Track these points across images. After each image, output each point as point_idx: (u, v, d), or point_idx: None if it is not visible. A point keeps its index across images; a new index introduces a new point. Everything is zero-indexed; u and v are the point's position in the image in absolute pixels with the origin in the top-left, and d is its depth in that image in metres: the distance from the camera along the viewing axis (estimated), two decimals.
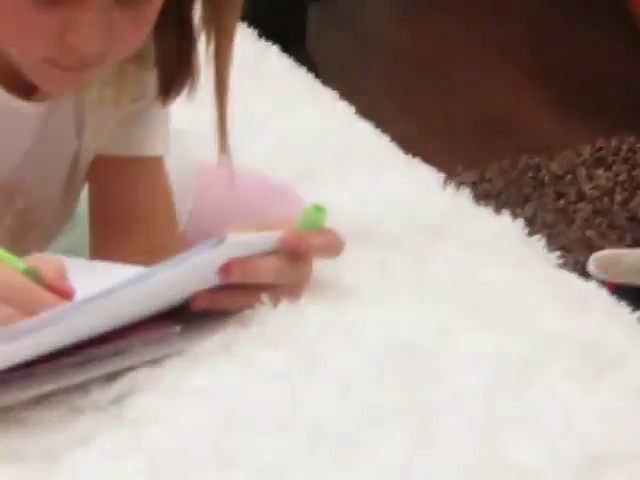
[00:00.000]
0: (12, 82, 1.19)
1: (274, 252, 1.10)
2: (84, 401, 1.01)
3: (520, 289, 1.18)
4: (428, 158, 2.48)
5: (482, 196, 2.40)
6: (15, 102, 1.20)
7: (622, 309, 1.18)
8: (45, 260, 1.07)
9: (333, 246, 1.12)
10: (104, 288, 1.01)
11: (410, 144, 2.60)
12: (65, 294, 1.02)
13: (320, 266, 1.13)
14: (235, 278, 1.07)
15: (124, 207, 1.33)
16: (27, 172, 1.27)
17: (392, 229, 1.35)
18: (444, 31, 3.27)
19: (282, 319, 1.06)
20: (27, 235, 1.31)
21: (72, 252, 1.36)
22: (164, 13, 1.16)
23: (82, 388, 1.01)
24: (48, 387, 1.00)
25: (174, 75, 1.23)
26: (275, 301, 1.08)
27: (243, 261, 1.08)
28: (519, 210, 2.38)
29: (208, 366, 1.02)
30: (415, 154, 2.46)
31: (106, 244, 1.32)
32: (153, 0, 1.11)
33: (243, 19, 1.90)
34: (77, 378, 1.01)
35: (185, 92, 1.24)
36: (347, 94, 2.75)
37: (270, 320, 1.06)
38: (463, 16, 3.33)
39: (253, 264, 1.08)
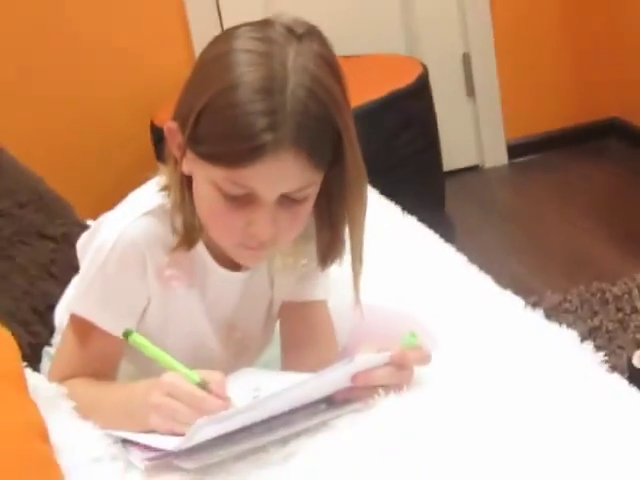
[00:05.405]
0: (227, 262, 1.28)
1: (387, 364, 1.18)
2: (265, 457, 1.09)
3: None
4: (527, 286, 2.55)
5: (563, 312, 2.44)
6: (229, 274, 1.29)
7: None
8: (211, 374, 1.13)
9: (424, 359, 1.20)
10: (285, 387, 1.09)
11: (519, 277, 2.67)
12: (223, 399, 1.10)
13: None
14: (361, 383, 1.16)
15: (303, 335, 1.36)
16: (239, 315, 1.34)
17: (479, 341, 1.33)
18: (545, 193, 3.28)
19: (391, 405, 1.14)
20: (243, 355, 1.37)
21: (269, 365, 1.42)
22: (319, 210, 1.24)
23: (263, 450, 1.09)
24: (243, 447, 1.09)
25: (328, 252, 1.28)
26: (387, 393, 1.15)
27: (367, 372, 1.16)
28: (589, 321, 2.38)
29: (340, 431, 1.11)
30: (521, 284, 2.51)
31: (292, 358, 1.36)
32: (305, 203, 1.18)
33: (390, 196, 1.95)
34: (263, 440, 1.10)
35: (336, 263, 1.30)
36: (473, 245, 2.82)
37: (383, 404, 1.14)
38: (559, 182, 3.34)
39: (373, 373, 1.16)
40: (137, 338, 1.16)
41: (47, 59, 3.12)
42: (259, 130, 1.09)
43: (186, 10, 3.21)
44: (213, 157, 1.13)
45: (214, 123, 1.12)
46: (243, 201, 1.15)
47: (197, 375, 1.12)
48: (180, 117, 1.18)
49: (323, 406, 1.16)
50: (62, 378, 1.26)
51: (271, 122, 1.09)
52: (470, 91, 3.56)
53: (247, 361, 1.36)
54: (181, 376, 1.12)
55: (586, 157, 3.50)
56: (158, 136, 2.74)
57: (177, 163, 1.20)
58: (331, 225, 1.26)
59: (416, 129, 2.89)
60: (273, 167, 1.11)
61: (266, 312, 1.38)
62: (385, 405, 1.14)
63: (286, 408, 1.12)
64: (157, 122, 2.87)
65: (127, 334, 1.15)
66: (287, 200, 1.16)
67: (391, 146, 2.81)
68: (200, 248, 1.26)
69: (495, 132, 3.59)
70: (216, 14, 3.23)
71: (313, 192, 1.19)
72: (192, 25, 3.20)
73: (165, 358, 1.15)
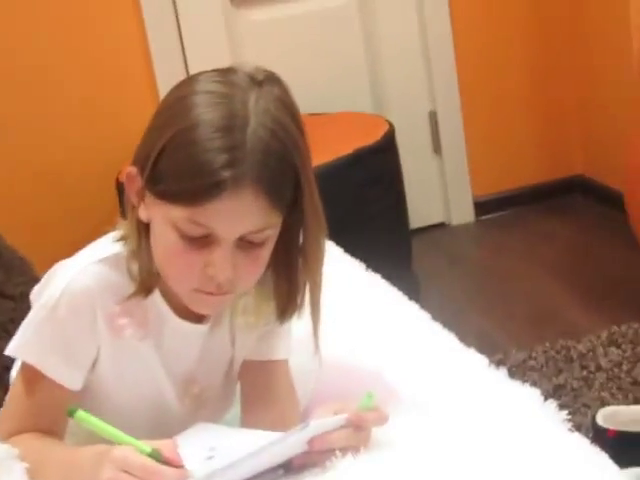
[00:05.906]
0: (186, 313, 1.26)
1: (344, 426, 1.16)
2: None
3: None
4: (493, 342, 2.55)
5: (528, 369, 2.43)
6: (187, 326, 1.28)
7: None
8: (162, 442, 1.11)
9: (381, 420, 1.19)
10: (248, 452, 1.07)
11: (484, 333, 2.66)
12: (177, 466, 1.08)
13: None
14: (318, 447, 1.15)
15: (263, 395, 1.35)
16: (199, 370, 1.32)
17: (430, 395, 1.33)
18: (511, 250, 3.29)
19: (348, 466, 1.12)
20: (199, 412, 1.33)
21: (230, 423, 1.39)
22: (277, 259, 1.23)
23: None
24: None
25: (287, 305, 1.27)
26: (344, 454, 1.14)
27: (323, 436, 1.15)
28: (554, 378, 2.36)
29: None
30: (487, 341, 2.52)
31: (252, 418, 1.33)
32: (264, 247, 1.18)
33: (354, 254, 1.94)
34: None
35: (295, 315, 1.29)
36: (439, 301, 2.83)
37: (341, 466, 1.13)
38: (525, 238, 3.35)
39: (330, 436, 1.15)
40: (82, 415, 1.12)
41: (10, 114, 3.11)
42: (218, 167, 1.10)
43: (154, 68, 3.22)
44: (172, 195, 1.13)
45: (174, 161, 1.13)
46: (202, 242, 1.15)
47: (148, 446, 1.10)
48: (140, 160, 1.18)
49: (281, 471, 1.14)
50: (10, 433, 1.24)
51: (230, 159, 1.10)
52: (437, 148, 3.59)
53: (205, 417, 1.34)
54: (132, 449, 1.10)
55: (552, 214, 3.53)
56: (123, 192, 2.72)
57: (135, 209, 1.20)
58: (289, 276, 1.26)
59: (383, 186, 2.90)
60: (233, 205, 1.11)
61: (226, 369, 1.36)
62: (342, 467, 1.13)
63: (244, 476, 1.10)
64: (122, 179, 2.87)
65: (71, 412, 1.12)
66: (246, 244, 1.16)
67: (358, 203, 2.82)
68: (156, 297, 1.25)
69: (462, 189, 3.61)
70: (184, 72, 3.25)
71: (272, 235, 1.19)
72: (159, 82, 3.21)
73: (113, 432, 1.12)
